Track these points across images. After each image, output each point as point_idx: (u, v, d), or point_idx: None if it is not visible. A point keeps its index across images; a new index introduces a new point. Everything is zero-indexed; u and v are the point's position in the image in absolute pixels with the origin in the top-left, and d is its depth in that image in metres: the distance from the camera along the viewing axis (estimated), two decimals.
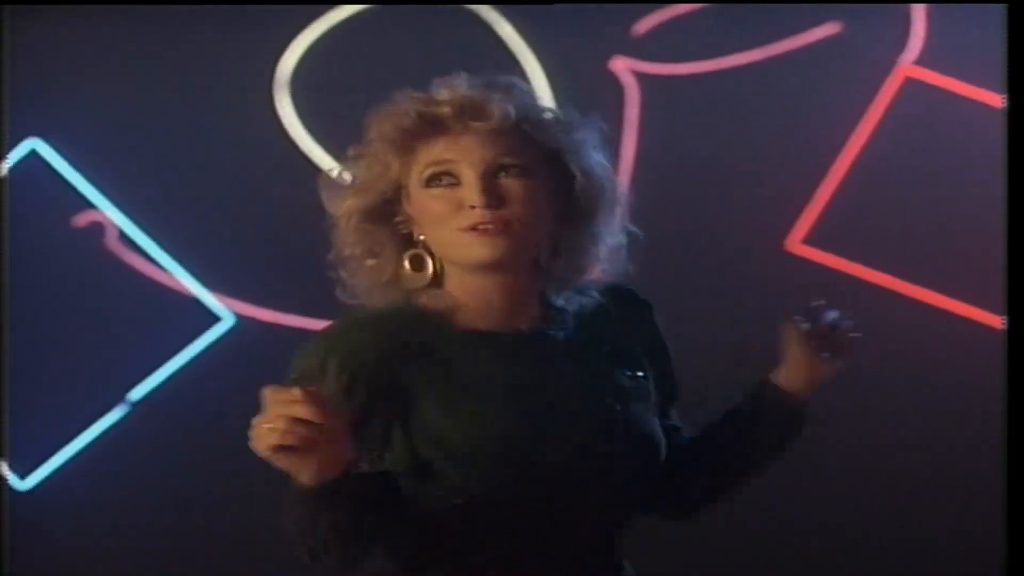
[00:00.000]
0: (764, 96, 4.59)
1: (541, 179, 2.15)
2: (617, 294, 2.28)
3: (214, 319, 4.73)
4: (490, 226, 2.10)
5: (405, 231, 2.19)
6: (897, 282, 4.50)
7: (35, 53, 4.79)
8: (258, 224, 4.70)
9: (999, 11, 3.90)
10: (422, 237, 2.17)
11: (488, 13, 4.66)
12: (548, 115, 2.18)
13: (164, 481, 4.68)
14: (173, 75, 4.79)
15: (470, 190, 2.11)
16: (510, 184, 2.12)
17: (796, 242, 4.55)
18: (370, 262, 2.19)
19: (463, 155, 2.12)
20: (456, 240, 2.12)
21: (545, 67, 4.60)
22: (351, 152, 2.20)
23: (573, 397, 2.14)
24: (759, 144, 4.58)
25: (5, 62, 4.72)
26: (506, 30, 4.64)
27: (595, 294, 2.25)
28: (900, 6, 4.54)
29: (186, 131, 4.77)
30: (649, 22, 4.64)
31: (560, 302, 2.22)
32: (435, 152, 2.14)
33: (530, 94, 2.20)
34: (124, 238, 4.78)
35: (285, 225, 4.63)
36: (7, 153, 4.79)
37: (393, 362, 2.09)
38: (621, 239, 2.24)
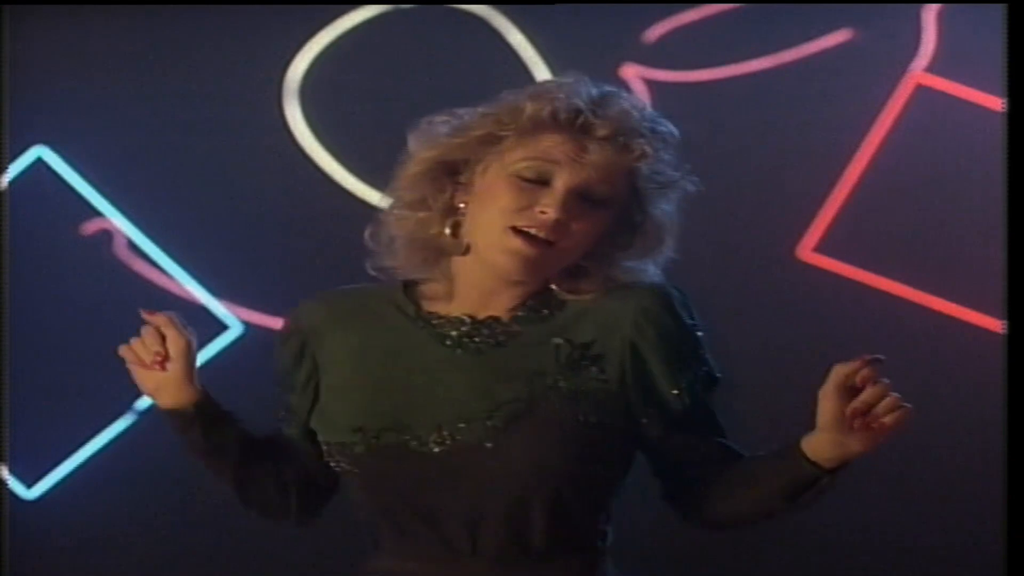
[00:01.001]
0: (774, 104, 4.58)
1: (613, 212, 2.15)
2: (636, 294, 2.20)
3: (222, 327, 4.72)
4: (541, 235, 2.09)
5: (457, 198, 2.18)
6: (909, 290, 4.49)
7: (40, 60, 4.79)
8: (267, 231, 4.69)
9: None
10: (464, 207, 2.16)
11: (498, 19, 4.65)
12: (664, 167, 2.18)
13: (171, 490, 4.66)
14: (181, 82, 4.78)
15: (553, 198, 2.09)
16: (585, 211, 2.11)
17: (807, 250, 4.54)
18: (421, 214, 2.18)
19: (571, 165, 2.10)
20: (500, 236, 2.11)
21: (554, 73, 4.58)
22: (478, 110, 2.17)
23: (467, 394, 2.12)
24: (770, 152, 4.58)
25: (4, 67, 4.71)
26: (516, 37, 4.64)
27: (615, 292, 2.20)
28: (911, 14, 4.52)
29: (194, 138, 4.77)
30: (659, 29, 4.63)
31: (559, 293, 2.20)
32: (547, 145, 2.11)
33: (671, 141, 2.19)
34: (131, 246, 4.77)
35: (294, 232, 4.62)
36: (7, 164, 4.77)
37: (321, 331, 2.23)
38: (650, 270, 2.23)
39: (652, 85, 4.61)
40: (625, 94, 2.19)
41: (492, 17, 4.66)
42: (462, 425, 2.10)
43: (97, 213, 4.79)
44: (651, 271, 2.23)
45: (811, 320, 4.53)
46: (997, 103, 4.43)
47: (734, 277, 4.56)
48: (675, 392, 2.18)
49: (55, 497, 4.77)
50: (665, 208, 2.20)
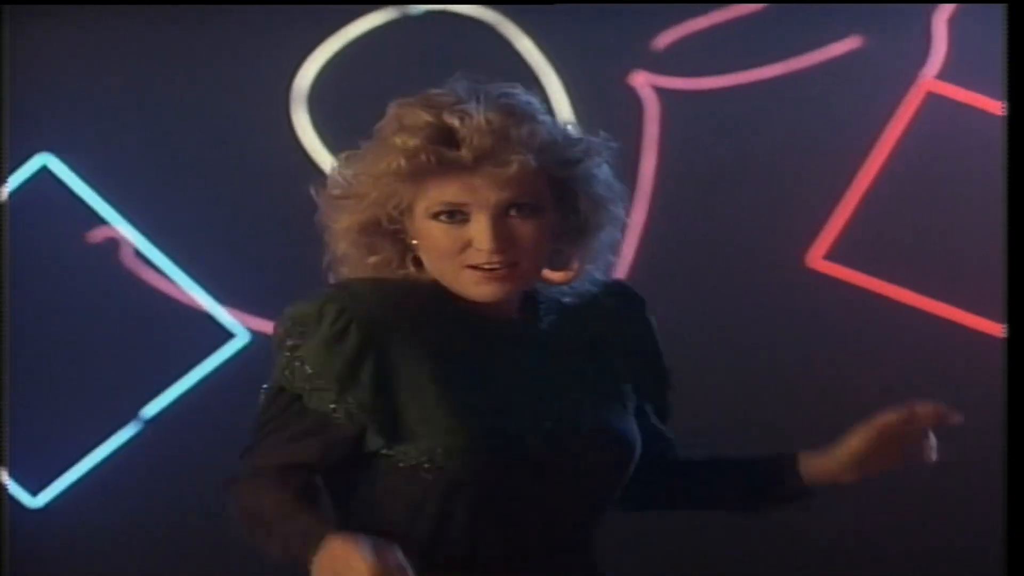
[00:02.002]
0: (784, 111, 4.57)
1: (549, 213, 2.12)
2: (612, 290, 2.25)
3: (229, 335, 4.71)
4: (497, 267, 2.07)
5: (404, 238, 2.15)
6: (920, 299, 4.47)
7: (43, 66, 4.77)
8: (274, 239, 4.68)
9: None
10: (416, 244, 2.13)
11: (507, 27, 4.64)
12: (563, 147, 2.12)
13: (175, 500, 4.65)
14: (188, 89, 4.77)
15: (480, 233, 2.07)
16: (519, 225, 2.08)
17: (817, 258, 4.53)
18: (372, 259, 2.16)
19: (474, 198, 2.06)
20: (459, 275, 2.09)
21: (564, 81, 4.58)
22: (345, 158, 2.15)
23: (543, 389, 2.13)
24: (780, 159, 4.57)
25: (6, 73, 4.70)
26: (525, 44, 4.63)
27: (589, 287, 2.21)
28: (921, 21, 4.51)
29: (201, 145, 4.76)
30: (669, 36, 4.62)
31: (548, 293, 2.20)
32: (446, 194, 2.07)
33: (548, 120, 2.13)
34: (137, 254, 4.76)
35: (301, 240, 4.60)
36: (7, 174, 4.76)
37: (386, 323, 2.09)
38: (615, 237, 2.22)
39: (662, 92, 4.60)
40: (459, 88, 2.13)
41: (501, 24, 4.65)
42: (555, 426, 2.11)
43: (102, 221, 4.78)
44: (617, 241, 2.22)
45: (820, 328, 4.52)
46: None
47: (744, 285, 4.56)
48: (666, 376, 2.28)
49: (60, 506, 4.76)
50: (597, 177, 2.15)
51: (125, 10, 4.74)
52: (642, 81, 4.61)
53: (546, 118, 2.13)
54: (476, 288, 2.09)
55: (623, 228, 2.22)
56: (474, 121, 2.07)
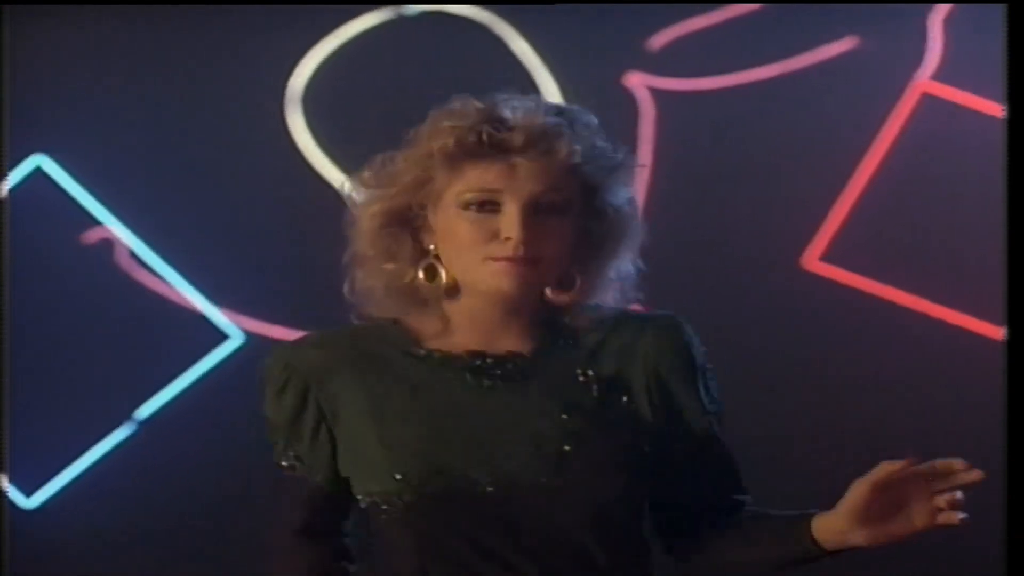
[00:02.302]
0: (780, 112, 4.57)
1: (575, 216, 2.12)
2: (651, 323, 2.21)
3: (223, 337, 4.70)
4: (521, 260, 2.07)
5: (423, 241, 2.15)
6: (915, 300, 4.47)
7: (38, 66, 4.76)
8: (269, 240, 4.67)
9: None
10: (434, 250, 2.14)
11: (502, 28, 4.63)
12: (604, 152, 2.13)
13: (170, 501, 4.65)
14: (183, 89, 4.76)
15: (510, 223, 2.07)
16: (547, 221, 2.08)
17: (813, 259, 4.52)
18: (388, 266, 2.15)
19: (511, 185, 2.07)
20: (481, 268, 2.09)
21: (558, 81, 4.57)
22: (388, 154, 2.16)
23: (509, 430, 2.09)
24: (775, 160, 4.56)
25: (4, 73, 4.69)
26: (519, 44, 4.62)
27: (629, 322, 2.20)
28: (917, 22, 4.51)
29: (196, 146, 4.75)
30: (664, 37, 4.61)
31: (566, 322, 2.18)
32: (485, 178, 2.08)
33: (594, 128, 2.14)
34: (132, 255, 4.75)
35: (296, 241, 4.60)
36: (6, 173, 4.75)
37: (327, 372, 2.13)
38: (631, 269, 2.21)
39: (656, 93, 4.59)
40: (516, 95, 2.14)
41: (496, 24, 4.64)
42: (511, 462, 2.08)
43: (96, 222, 4.77)
44: (633, 275, 2.21)
45: (816, 330, 4.52)
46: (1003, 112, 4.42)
47: (739, 286, 4.55)
48: (704, 415, 2.20)
49: (54, 507, 4.75)
50: (622, 194, 2.16)
51: (119, 10, 4.73)
52: (637, 82, 4.60)
53: (592, 123, 2.14)
54: (495, 280, 2.08)
55: (635, 261, 2.20)
56: (526, 109, 2.10)
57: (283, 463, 2.17)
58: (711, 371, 2.24)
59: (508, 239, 2.07)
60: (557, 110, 2.12)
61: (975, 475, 2.04)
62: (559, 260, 2.11)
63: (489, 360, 2.13)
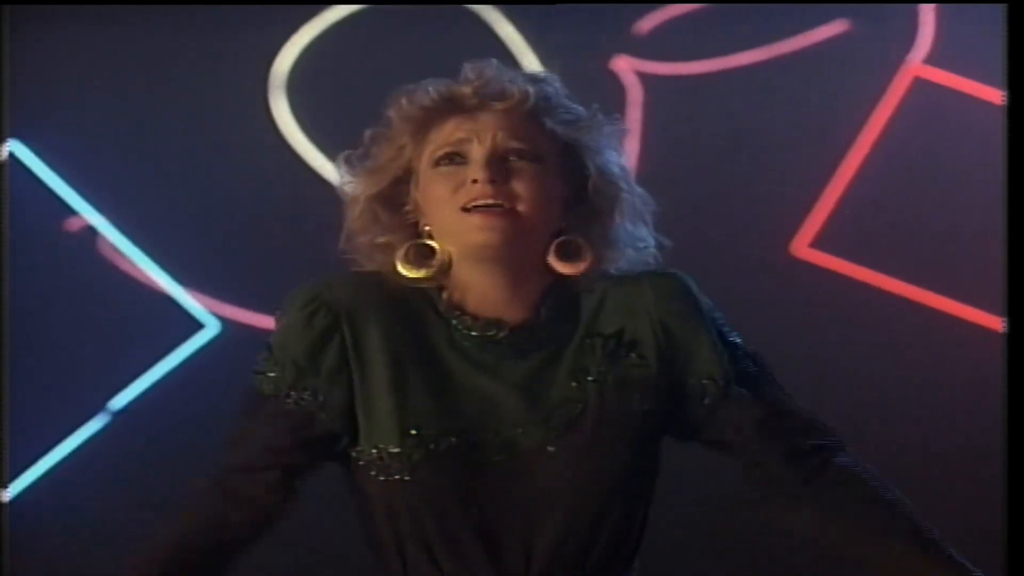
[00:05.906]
0: (769, 96, 4.58)
1: (552, 166, 2.11)
2: (649, 277, 2.20)
3: (199, 325, 4.66)
4: (491, 204, 2.06)
5: (412, 220, 2.16)
6: (904, 286, 4.46)
7: (17, 53, 4.72)
8: (253, 227, 4.65)
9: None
10: (427, 227, 2.14)
11: (488, 13, 4.63)
12: (570, 110, 2.15)
13: (146, 492, 4.60)
14: (164, 76, 4.74)
15: (475, 165, 2.08)
16: (518, 165, 2.09)
17: (803, 246, 4.51)
18: (381, 240, 2.15)
19: (474, 133, 2.11)
20: (457, 222, 2.09)
21: (546, 67, 4.53)
22: (368, 133, 2.18)
23: (518, 399, 2.08)
24: (764, 145, 4.57)
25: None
26: (506, 30, 4.61)
27: (626, 279, 2.18)
28: (908, 5, 4.50)
29: (179, 133, 4.73)
30: (651, 21, 4.61)
31: (574, 289, 2.16)
32: (447, 131, 2.11)
33: (560, 90, 2.16)
34: (107, 243, 4.71)
35: (280, 228, 4.58)
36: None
37: (359, 314, 2.10)
38: (647, 245, 2.21)
39: (644, 78, 4.58)
40: (490, 61, 2.18)
41: (482, 9, 4.64)
42: (520, 431, 2.07)
43: (71, 210, 4.73)
44: (649, 241, 2.22)
45: (807, 317, 4.51)
46: (996, 95, 4.43)
47: (728, 273, 4.51)
48: (722, 358, 2.21)
49: (27, 499, 4.72)
50: (608, 156, 2.17)
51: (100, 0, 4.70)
52: (624, 66, 4.59)
53: (558, 86, 2.17)
54: (479, 234, 2.07)
55: (647, 223, 2.21)
56: (477, 66, 2.15)
57: (287, 395, 2.08)
58: (721, 316, 2.27)
59: (475, 181, 2.07)
60: (517, 71, 2.17)
61: None
62: (539, 210, 2.09)
63: (501, 330, 2.11)
